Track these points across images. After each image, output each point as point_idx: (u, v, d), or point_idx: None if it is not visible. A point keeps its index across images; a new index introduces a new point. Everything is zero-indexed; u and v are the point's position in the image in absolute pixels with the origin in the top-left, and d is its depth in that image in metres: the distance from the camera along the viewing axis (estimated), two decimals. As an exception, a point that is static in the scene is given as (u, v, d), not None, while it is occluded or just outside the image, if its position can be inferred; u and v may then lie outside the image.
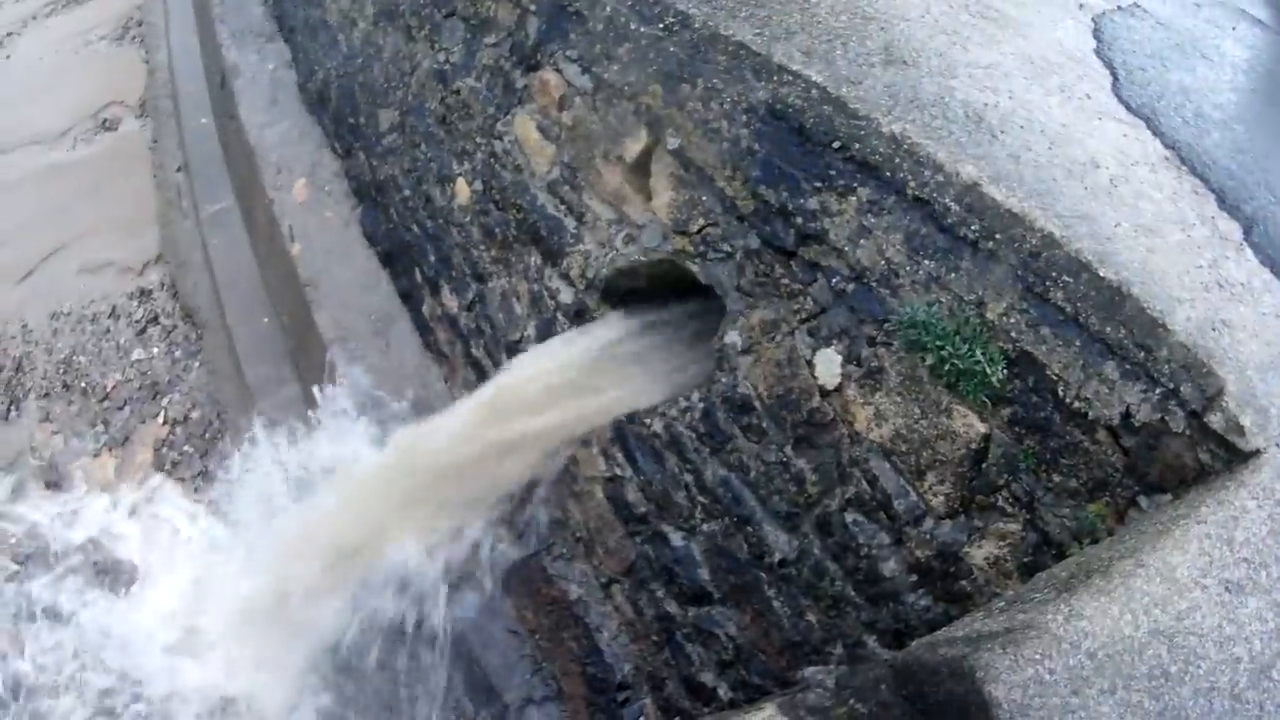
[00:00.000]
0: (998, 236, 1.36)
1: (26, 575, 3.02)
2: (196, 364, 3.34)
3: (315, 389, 2.53)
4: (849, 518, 1.68)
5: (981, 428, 1.40)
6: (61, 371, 3.67)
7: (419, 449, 2.04)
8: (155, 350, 3.56)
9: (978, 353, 1.37)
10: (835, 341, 1.58)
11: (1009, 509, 1.39)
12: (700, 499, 1.89)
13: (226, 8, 4.42)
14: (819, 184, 1.54)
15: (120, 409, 3.44)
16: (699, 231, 1.84)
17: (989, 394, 1.37)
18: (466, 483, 1.98)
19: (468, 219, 2.45)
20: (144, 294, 3.79)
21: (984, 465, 1.42)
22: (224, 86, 4.16)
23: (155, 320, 3.67)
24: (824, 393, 1.68)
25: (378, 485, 2.13)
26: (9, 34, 5.70)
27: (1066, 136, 1.59)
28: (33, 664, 2.85)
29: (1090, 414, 1.27)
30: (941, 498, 1.48)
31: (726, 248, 1.79)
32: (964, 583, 1.47)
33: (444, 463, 1.97)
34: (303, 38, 3.86)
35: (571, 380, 1.84)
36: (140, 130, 4.70)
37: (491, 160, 2.43)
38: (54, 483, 3.23)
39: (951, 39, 1.78)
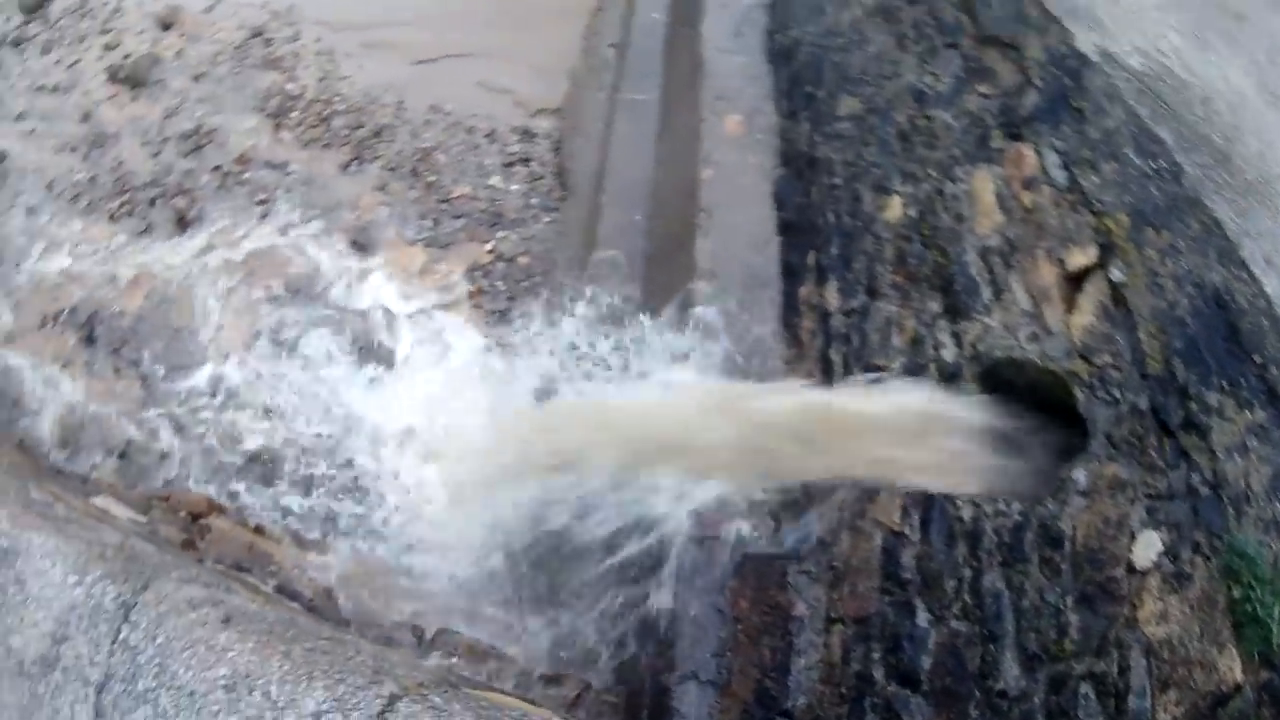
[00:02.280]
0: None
1: (287, 302, 4.69)
2: (548, 219, 4.76)
3: (660, 303, 3.83)
4: (1083, 689, 2.30)
5: (1239, 677, 1.95)
6: (417, 158, 5.22)
7: (742, 405, 3.25)
8: (514, 187, 5.06)
9: (1276, 610, 1.95)
10: (1164, 530, 2.26)
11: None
12: (965, 597, 2.63)
13: None
14: (1225, 385, 2.23)
15: (455, 218, 4.86)
16: (1100, 366, 2.76)
17: (1263, 651, 1.93)
18: (761, 460, 3.16)
19: (887, 236, 3.44)
20: (527, 134, 5.41)
21: (1220, 711, 1.99)
22: None
23: (526, 162, 5.22)
24: (1130, 569, 2.32)
25: (683, 415, 3.40)
26: None
27: None
28: (253, 375, 4.48)
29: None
30: (1170, 718, 2.08)
31: (1116, 394, 2.66)
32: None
33: (754, 431, 3.16)
34: None
35: (910, 429, 2.91)
36: None
37: (936, 197, 3.48)
38: (359, 245, 4.84)
39: None
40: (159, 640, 2.25)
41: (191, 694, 2.12)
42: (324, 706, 2.02)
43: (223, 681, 2.11)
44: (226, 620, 2.29)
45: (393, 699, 2.05)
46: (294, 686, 2.05)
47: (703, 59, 4.95)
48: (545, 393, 4.12)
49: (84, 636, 2.32)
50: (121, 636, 2.30)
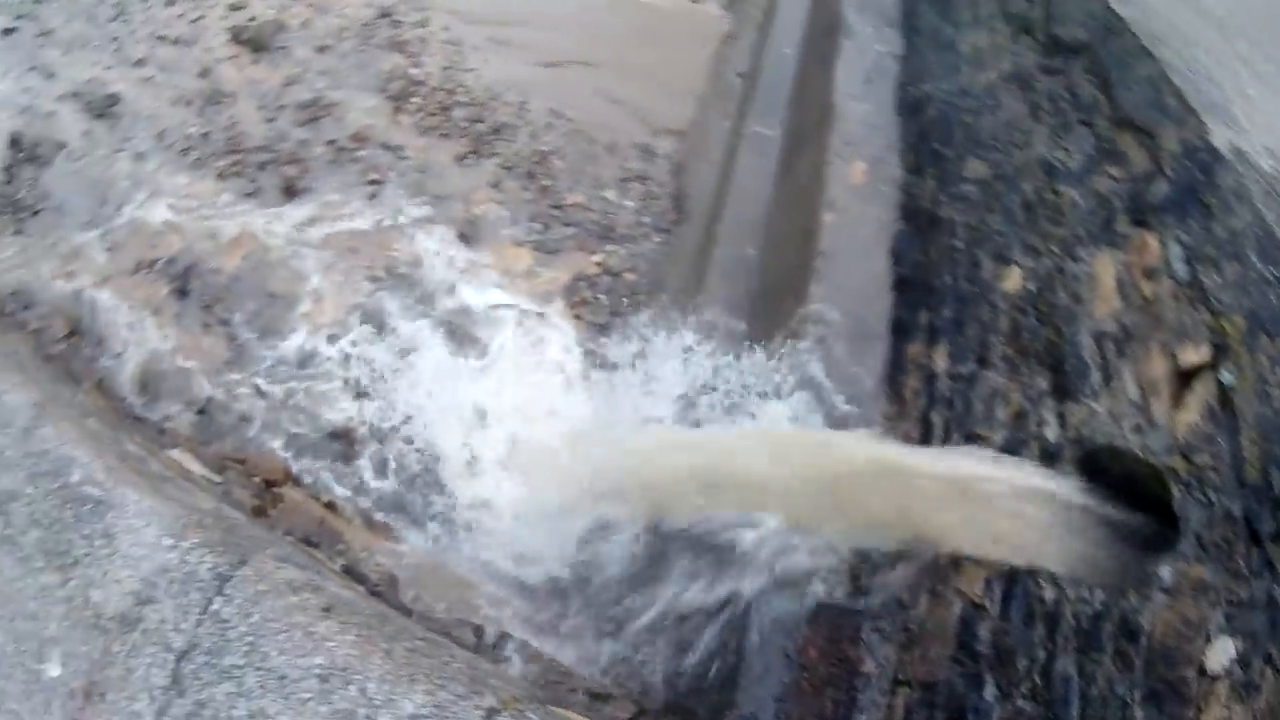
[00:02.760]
0: None
1: (386, 284, 5.05)
2: (658, 239, 5.07)
3: (765, 341, 4.10)
4: (1138, 785, 2.80)
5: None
6: (534, 160, 5.62)
7: (835, 454, 3.57)
8: (628, 203, 5.44)
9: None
10: (1240, 638, 2.44)
11: None
12: (1035, 678, 2.82)
13: None
14: (1320, 501, 2.54)
15: (565, 225, 5.19)
16: (1200, 466, 2.97)
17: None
18: (850, 511, 3.46)
19: (1003, 306, 3.72)
20: (647, 152, 5.83)
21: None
22: (827, 36, 6.24)
23: (643, 180, 5.62)
24: (1201, 671, 2.50)
25: (773, 456, 3.75)
26: None
27: None
28: (343, 352, 4.85)
29: None
30: (1216, 826, 2.23)
31: (1212, 497, 2.84)
32: None
33: (844, 482, 3.48)
34: (923, 44, 5.32)
35: (1004, 503, 3.09)
36: (720, 17, 6.86)
37: (1056, 274, 3.70)
38: (466, 238, 5.20)
39: None
40: (253, 618, 2.37)
41: (282, 678, 2.24)
42: (423, 711, 2.18)
43: (318, 670, 2.23)
44: (328, 609, 2.42)
45: (491, 712, 2.22)
46: (393, 686, 2.20)
47: (833, 102, 5.30)
48: (634, 414, 4.45)
49: (171, 601, 2.44)
50: (213, 608, 2.42)
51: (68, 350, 5.47)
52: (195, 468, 4.06)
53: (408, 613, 3.92)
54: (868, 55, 5.80)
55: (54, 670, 2.55)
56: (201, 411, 4.90)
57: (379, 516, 4.34)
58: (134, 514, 2.70)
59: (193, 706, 2.28)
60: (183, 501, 2.84)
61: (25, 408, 3.18)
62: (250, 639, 2.35)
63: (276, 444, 4.65)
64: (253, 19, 7.52)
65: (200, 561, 2.52)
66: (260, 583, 2.47)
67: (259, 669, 2.28)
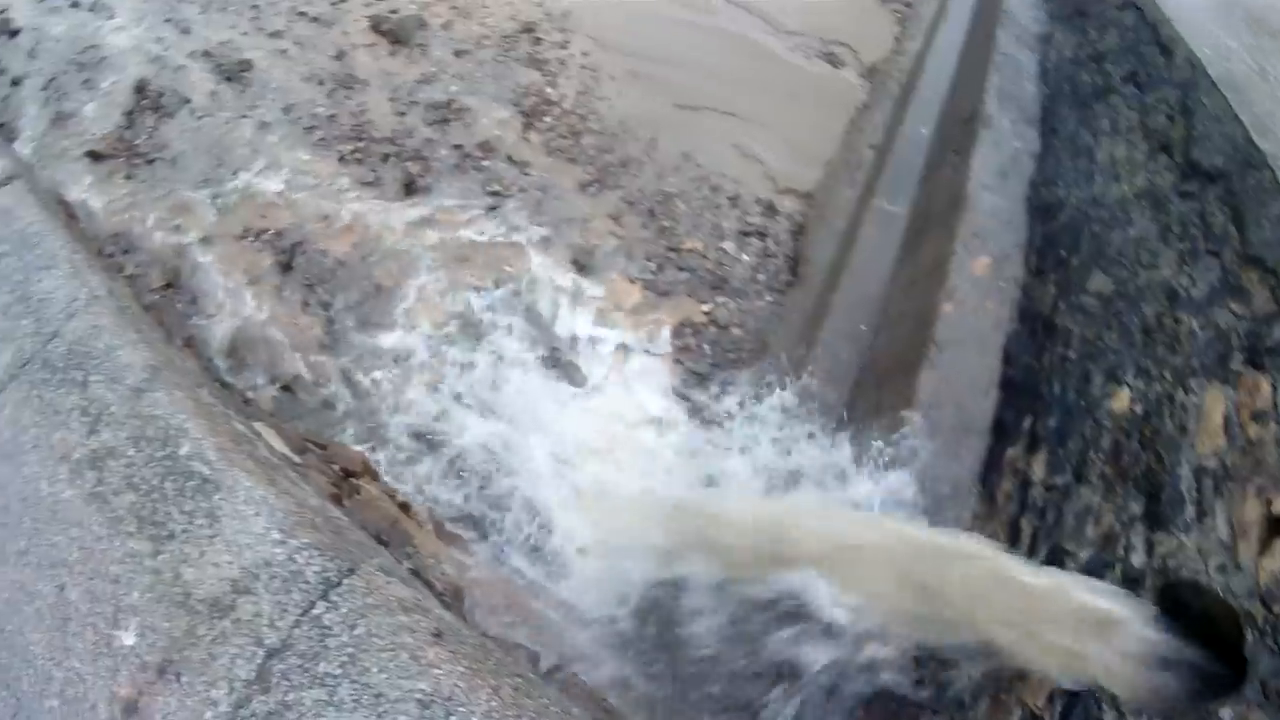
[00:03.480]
0: None
1: (492, 296, 5.39)
2: (770, 299, 5.39)
3: (863, 420, 4.53)
4: None
5: None
6: (657, 199, 6.02)
7: (917, 544, 3.88)
8: (744, 258, 5.82)
9: None
10: None
11: None
12: None
13: (1005, 61, 6.47)
14: (1392, 669, 2.97)
15: (679, 269, 5.52)
16: (1277, 615, 3.35)
17: None
18: (924, 604, 3.75)
19: (1108, 425, 3.98)
20: (770, 209, 6.21)
21: None
22: (965, 123, 6.64)
23: (763, 236, 6.01)
24: None
25: (852, 537, 4.05)
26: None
27: None
28: (439, 355, 5.14)
29: None
30: None
31: None
32: None
33: (924, 573, 3.78)
34: (1060, 146, 5.62)
35: (1078, 620, 3.40)
36: (857, 87, 7.26)
37: (1165, 401, 3.87)
38: (579, 265, 5.54)
39: None
40: (358, 630, 2.41)
41: (379, 696, 2.28)
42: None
43: (419, 696, 2.28)
44: (437, 635, 2.44)
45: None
46: (498, 726, 2.18)
47: (965, 191, 5.66)
48: (718, 470, 4.75)
49: (271, 597, 2.50)
50: (315, 612, 2.46)
51: (161, 302, 5.78)
52: (277, 444, 4.13)
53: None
54: (1004, 149, 6.12)
55: (128, 639, 2.58)
56: (286, 388, 5.20)
57: (450, 525, 4.51)
58: (244, 500, 2.75)
59: (276, 706, 2.32)
60: (295, 496, 2.87)
61: (138, 368, 3.28)
62: (350, 650, 2.39)
63: (356, 434, 4.94)
64: (395, 11, 8.03)
65: (308, 563, 2.57)
66: (369, 595, 2.51)
67: (355, 683, 2.33)
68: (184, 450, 2.94)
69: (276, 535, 2.64)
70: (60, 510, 2.95)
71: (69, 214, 5.46)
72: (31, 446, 3.22)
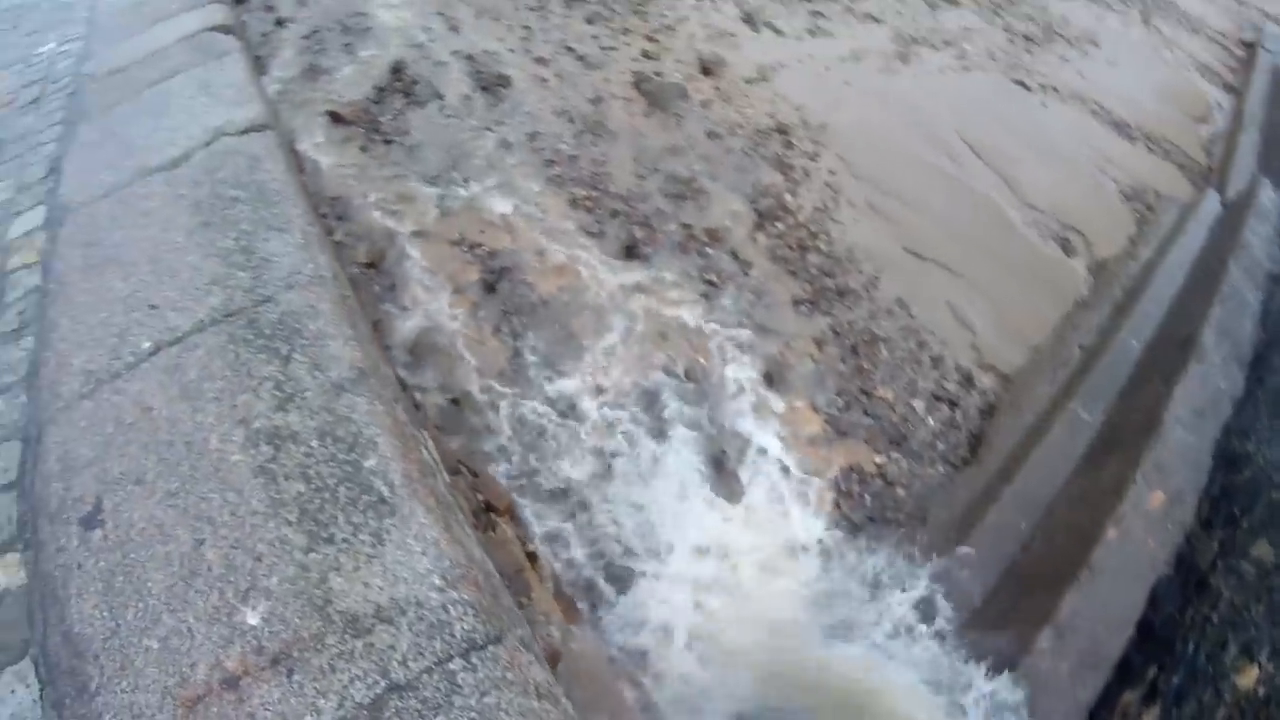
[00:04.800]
0: None
1: (677, 381, 5.99)
2: (942, 470, 5.81)
3: (993, 624, 5.15)
4: None
5: None
6: (864, 338, 6.39)
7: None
8: (930, 422, 6.05)
9: None
10: None
11: None
12: None
13: (1230, 294, 7.26)
14: None
15: (865, 414, 6.02)
16: None
17: None
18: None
19: (1229, 697, 4.42)
20: (967, 381, 6.44)
21: None
22: (1177, 349, 6.93)
23: (953, 406, 6.19)
24: None
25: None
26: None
27: None
28: (609, 420, 5.70)
29: None
30: None
31: None
32: None
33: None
34: (1263, 398, 6.35)
35: None
36: (1082, 281, 7.70)
37: None
38: (770, 379, 6.17)
39: None
40: (488, 699, 2.59)
41: None
42: None
43: None
44: None
45: None
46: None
47: (1161, 420, 6.38)
48: (839, 630, 5.28)
49: (411, 635, 2.71)
50: (450, 667, 2.65)
51: (360, 278, 6.41)
52: (433, 455, 4.22)
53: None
54: (1209, 386, 6.70)
55: (253, 619, 2.78)
56: (455, 402, 5.74)
57: (568, 589, 4.86)
58: (414, 534, 2.94)
59: (378, 736, 2.40)
60: (464, 547, 3.02)
61: (345, 365, 3.51)
62: (474, 715, 2.56)
63: (505, 469, 5.42)
64: (659, 74, 9.06)
65: (459, 617, 2.74)
66: (509, 670, 2.67)
67: (470, 746, 2.39)
68: (369, 463, 3.16)
69: (437, 581, 2.81)
70: (223, 470, 3.19)
71: (298, 165, 6.28)
72: (213, 397, 3.49)
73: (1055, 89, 10.37)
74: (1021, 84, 10.29)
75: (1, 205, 5.22)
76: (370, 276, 6.71)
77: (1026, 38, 11.41)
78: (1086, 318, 7.64)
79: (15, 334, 4.16)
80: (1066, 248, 8.15)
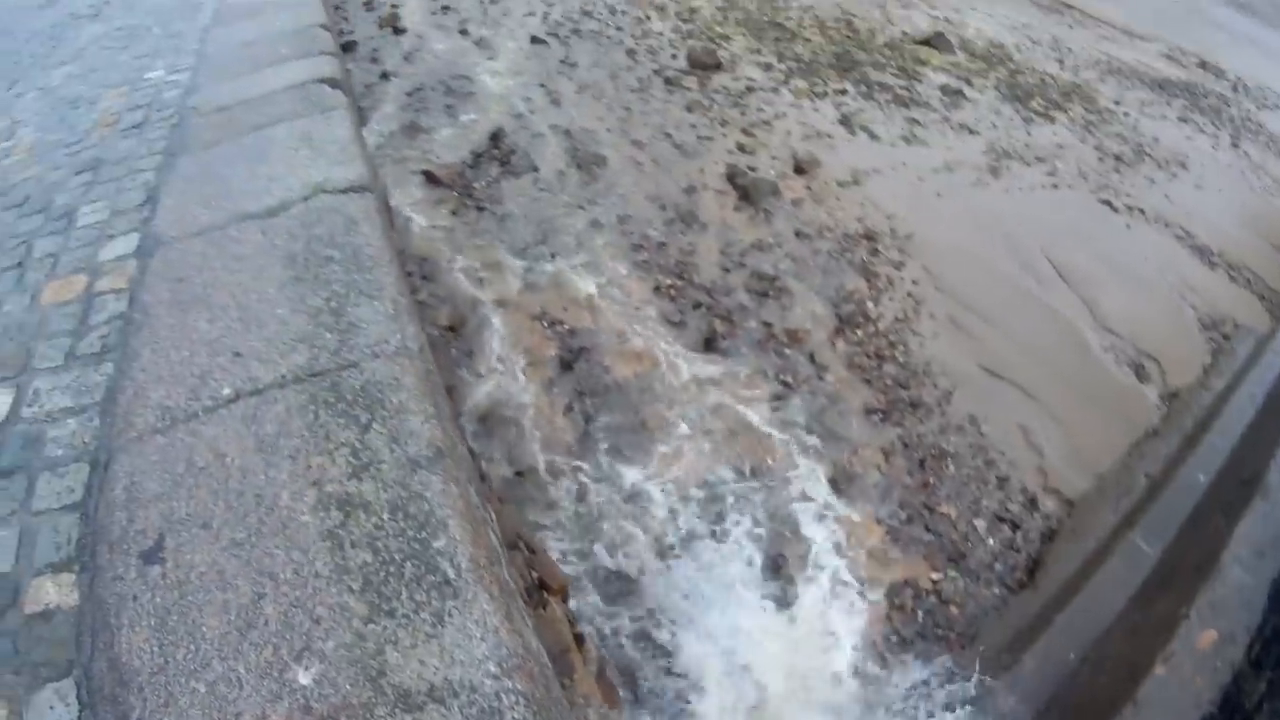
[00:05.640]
0: None
1: (741, 481, 6.15)
2: (997, 591, 5.80)
3: None
4: None
5: None
6: (932, 452, 6.49)
7: None
8: (990, 542, 6.06)
9: None
10: None
11: None
12: None
13: None
14: None
15: (926, 529, 6.10)
16: None
17: None
18: None
19: None
20: (1031, 504, 6.43)
21: None
22: (1243, 485, 6.98)
23: (1015, 529, 6.18)
24: None
25: None
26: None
27: None
28: (672, 510, 5.87)
29: None
30: None
31: None
32: None
33: None
34: None
35: None
36: (1153, 409, 7.63)
37: None
38: (835, 485, 6.26)
39: None
40: None
41: None
42: None
43: None
44: None
45: None
46: None
47: (1219, 559, 6.59)
48: None
49: (454, 715, 2.73)
50: None
51: (439, 340, 6.63)
52: (498, 535, 4.35)
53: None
54: (1271, 525, 6.67)
55: (304, 679, 2.81)
56: (520, 474, 5.97)
57: (610, 674, 4.91)
58: (475, 620, 2.95)
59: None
60: (523, 638, 3.04)
61: (424, 442, 3.54)
62: None
63: (563, 545, 5.61)
64: (753, 169, 9.34)
65: (511, 706, 2.75)
66: None
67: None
68: (439, 544, 3.19)
69: (492, 669, 2.82)
70: (291, 528, 3.26)
71: (390, 219, 6.16)
72: (289, 455, 3.56)
73: (1141, 211, 10.56)
74: (1109, 204, 10.48)
75: (95, 226, 5.37)
76: (449, 340, 6.95)
77: (1117, 157, 11.61)
78: (1155, 447, 7.80)
79: (96, 358, 4.31)
80: (1141, 374, 8.30)
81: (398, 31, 12.13)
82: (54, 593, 3.33)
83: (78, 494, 3.66)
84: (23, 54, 9.61)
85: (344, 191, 5.34)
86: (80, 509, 3.60)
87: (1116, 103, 13.28)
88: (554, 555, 5.37)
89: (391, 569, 3.12)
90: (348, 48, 11.24)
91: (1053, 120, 12.17)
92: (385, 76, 10.78)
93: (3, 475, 3.81)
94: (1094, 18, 17.11)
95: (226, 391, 3.99)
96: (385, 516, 3.30)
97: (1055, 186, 10.40)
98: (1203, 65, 15.88)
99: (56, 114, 7.50)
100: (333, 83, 7.04)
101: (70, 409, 4.10)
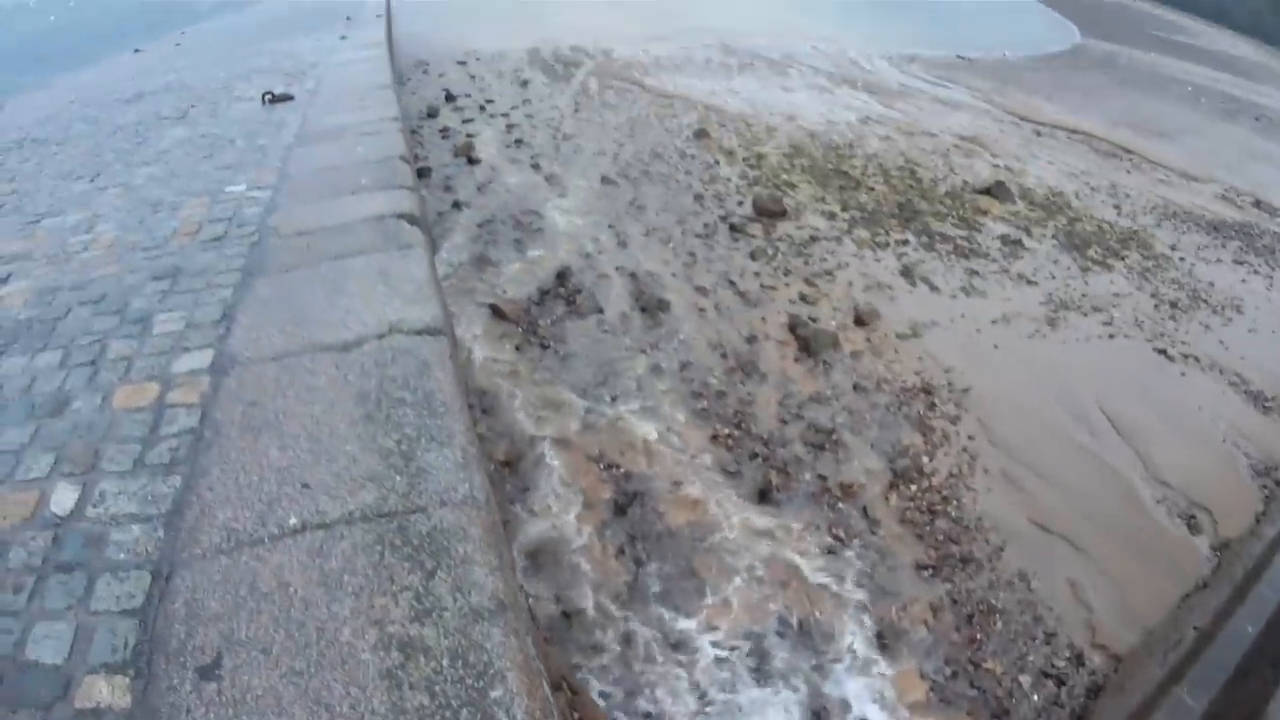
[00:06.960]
0: None
1: (789, 635, 6.18)
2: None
3: None
4: None
5: None
6: (980, 608, 6.41)
7: None
8: (1034, 698, 5.90)
9: None
10: None
11: None
12: None
13: None
14: None
15: (971, 685, 6.01)
16: None
17: None
18: None
19: None
20: (1078, 659, 6.17)
21: None
22: (1273, 667, 7.59)
23: (1060, 684, 5.97)
24: None
25: None
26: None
27: None
28: (718, 660, 5.97)
29: None
30: None
31: None
32: None
33: None
34: None
35: None
36: (1204, 560, 7.60)
37: None
38: (882, 641, 6.32)
39: None
40: None
41: None
42: None
43: None
44: None
45: None
46: None
47: (1266, 715, 6.93)
48: None
49: None
50: None
51: (494, 476, 6.74)
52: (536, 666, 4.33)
53: None
54: None
55: None
56: (566, 615, 6.14)
57: None
58: None
59: None
60: None
61: (488, 594, 3.70)
62: None
63: (607, 689, 5.74)
64: (815, 319, 9.66)
65: None
66: None
67: None
68: (495, 694, 3.29)
69: None
70: (350, 664, 3.37)
71: (459, 361, 6.40)
72: (352, 591, 3.70)
73: (1196, 358, 10.80)
74: (1163, 353, 10.67)
75: (171, 335, 5.61)
76: (504, 475, 7.15)
77: (1172, 304, 11.74)
78: (1204, 598, 7.88)
79: (165, 469, 4.50)
80: (1192, 526, 8.44)
81: (472, 161, 12.74)
82: (107, 692, 3.48)
83: (138, 600, 3.85)
84: (106, 149, 10.08)
85: (419, 333, 5.54)
86: (139, 615, 3.77)
87: (1172, 248, 13.44)
88: (597, 698, 5.51)
89: (448, 714, 3.23)
90: (422, 173, 11.69)
91: (1110, 269, 12.47)
92: (458, 206, 11.38)
93: (63, 570, 3.99)
94: (1152, 161, 17.54)
95: (293, 521, 4.15)
96: (445, 662, 3.42)
97: (1111, 336, 10.71)
98: (1257, 204, 16.15)
99: (137, 215, 7.80)
100: (411, 219, 7.33)
101: (135, 515, 4.27)
